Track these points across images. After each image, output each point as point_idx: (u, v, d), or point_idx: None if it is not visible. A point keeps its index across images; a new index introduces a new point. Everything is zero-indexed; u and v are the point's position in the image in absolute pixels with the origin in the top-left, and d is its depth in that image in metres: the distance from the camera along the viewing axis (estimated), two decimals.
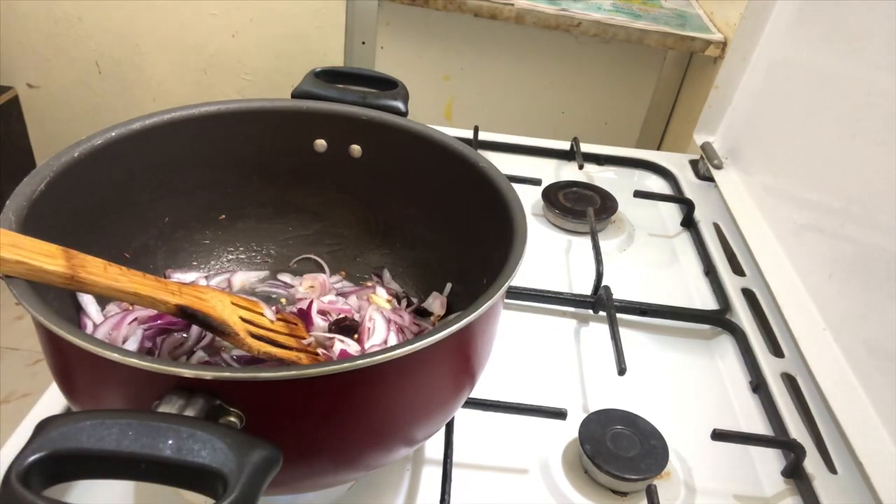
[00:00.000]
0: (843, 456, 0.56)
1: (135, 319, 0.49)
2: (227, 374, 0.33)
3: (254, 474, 0.29)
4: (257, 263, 0.61)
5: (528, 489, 0.52)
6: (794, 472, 0.55)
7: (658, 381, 0.64)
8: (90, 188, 0.48)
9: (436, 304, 0.56)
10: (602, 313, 0.69)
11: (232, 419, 0.33)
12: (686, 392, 0.63)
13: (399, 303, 0.59)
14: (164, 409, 0.31)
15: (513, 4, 1.23)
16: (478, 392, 0.50)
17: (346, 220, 0.62)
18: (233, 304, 0.46)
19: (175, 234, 0.57)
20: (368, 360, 0.34)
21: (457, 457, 0.53)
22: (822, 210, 0.69)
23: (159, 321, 0.50)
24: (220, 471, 0.28)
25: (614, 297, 0.67)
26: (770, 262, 0.73)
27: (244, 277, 0.59)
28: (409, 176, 0.57)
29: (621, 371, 0.58)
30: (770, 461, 0.57)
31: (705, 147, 0.95)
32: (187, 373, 0.32)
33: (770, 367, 0.64)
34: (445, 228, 0.57)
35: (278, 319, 0.51)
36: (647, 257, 0.81)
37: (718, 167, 0.91)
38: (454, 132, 0.82)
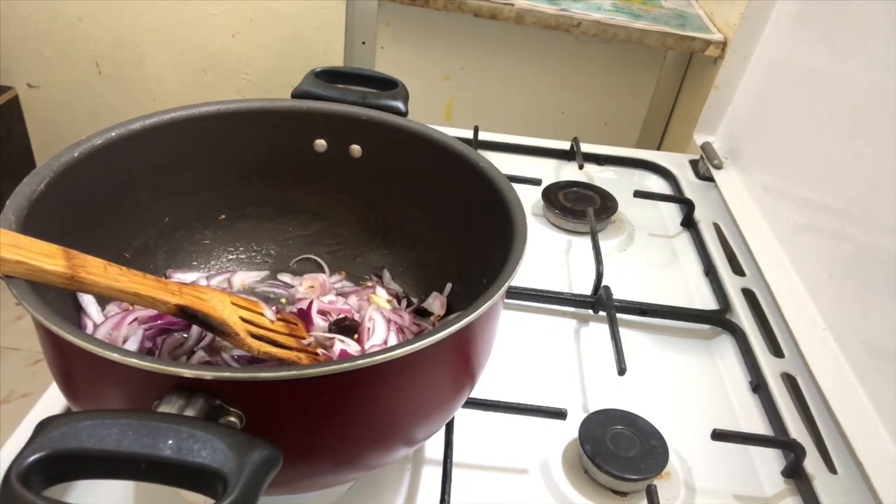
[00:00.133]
0: (843, 456, 0.56)
1: (135, 319, 0.49)
2: (227, 374, 0.33)
3: (254, 474, 0.29)
4: (257, 263, 0.61)
5: (528, 489, 0.52)
6: (794, 472, 0.55)
7: (658, 381, 0.64)
8: (90, 188, 0.48)
9: (436, 304, 0.56)
10: (602, 313, 0.69)
11: (232, 419, 0.33)
12: (686, 392, 0.63)
13: (399, 303, 0.59)
14: (164, 409, 0.31)
15: (513, 4, 1.23)
16: (478, 392, 0.50)
17: (346, 220, 0.62)
18: (233, 304, 0.46)
19: (175, 234, 0.57)
20: (368, 360, 0.34)
21: (457, 457, 0.53)
22: (822, 210, 0.69)
23: (160, 321, 0.50)
24: (220, 471, 0.28)
25: (614, 297, 0.67)
26: (770, 262, 0.73)
27: (244, 277, 0.59)
28: (409, 176, 0.57)
29: (621, 371, 0.58)
30: (770, 461, 0.57)
31: (705, 147, 0.95)
32: (187, 373, 0.32)
33: (770, 367, 0.64)
34: (445, 228, 0.57)
35: (278, 319, 0.51)
36: (647, 257, 0.81)
37: (718, 167, 0.91)
38: (454, 132, 0.82)
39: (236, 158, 0.57)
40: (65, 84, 1.54)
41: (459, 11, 1.25)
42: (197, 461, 0.28)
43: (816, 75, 0.73)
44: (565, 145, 0.98)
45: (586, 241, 0.79)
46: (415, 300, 0.59)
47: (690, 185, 0.93)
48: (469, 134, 0.94)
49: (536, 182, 0.85)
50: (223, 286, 0.58)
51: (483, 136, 0.95)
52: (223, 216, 0.60)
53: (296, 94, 0.57)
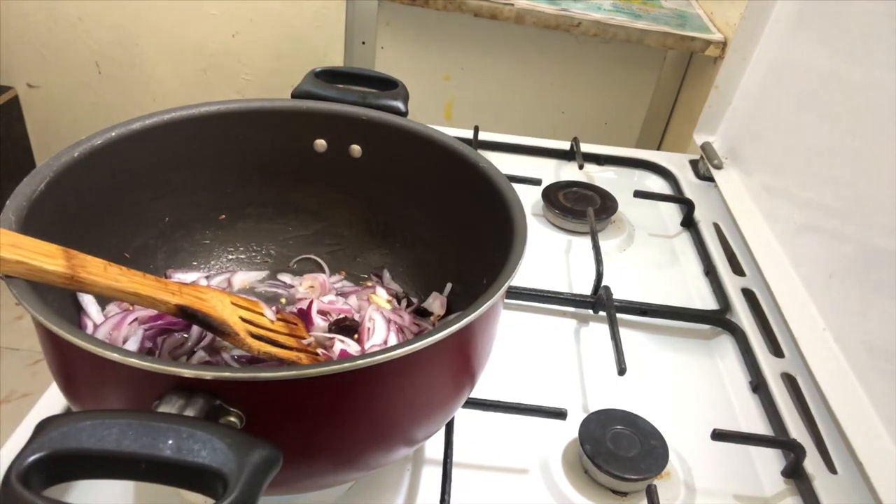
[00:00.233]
0: (843, 456, 0.56)
1: (135, 319, 0.49)
2: (227, 374, 0.33)
3: (254, 474, 0.29)
4: (257, 263, 0.61)
5: (528, 489, 0.52)
6: (794, 472, 0.55)
7: (658, 381, 0.64)
8: (90, 188, 0.48)
9: (436, 304, 0.56)
10: (602, 313, 0.69)
11: (232, 419, 0.33)
12: (686, 392, 0.63)
13: (399, 303, 0.59)
14: (164, 409, 0.31)
15: (513, 4, 1.23)
16: (478, 392, 0.50)
17: (346, 220, 0.62)
18: (233, 304, 0.46)
19: (175, 234, 0.57)
20: (368, 360, 0.34)
21: (457, 457, 0.53)
22: (822, 210, 0.69)
23: (160, 321, 0.50)
24: (220, 471, 0.28)
25: (614, 297, 0.67)
26: (770, 262, 0.73)
27: (244, 277, 0.59)
28: (409, 176, 0.57)
29: (621, 371, 0.58)
30: (770, 461, 0.57)
31: (705, 147, 0.95)
32: (187, 373, 0.32)
33: (770, 367, 0.64)
34: (445, 228, 0.57)
35: (278, 319, 0.51)
36: (647, 257, 0.81)
37: (718, 167, 0.91)
38: (454, 132, 0.82)
39: (236, 158, 0.57)
40: (65, 84, 1.54)
41: (459, 11, 1.25)
42: (197, 461, 0.28)
43: (816, 75, 0.73)
44: (565, 145, 0.98)
45: (586, 241, 0.79)
46: (415, 300, 0.59)
47: (690, 185, 0.93)
48: (469, 134, 0.94)
49: (536, 182, 0.85)
50: (223, 286, 0.58)
51: (483, 136, 0.95)
52: (223, 216, 0.60)
53: (296, 94, 0.57)
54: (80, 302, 0.48)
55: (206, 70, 1.50)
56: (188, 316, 0.42)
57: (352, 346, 0.51)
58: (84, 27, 1.45)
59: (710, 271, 0.77)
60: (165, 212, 0.56)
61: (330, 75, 0.59)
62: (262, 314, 0.49)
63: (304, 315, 0.54)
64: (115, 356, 0.32)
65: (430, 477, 0.52)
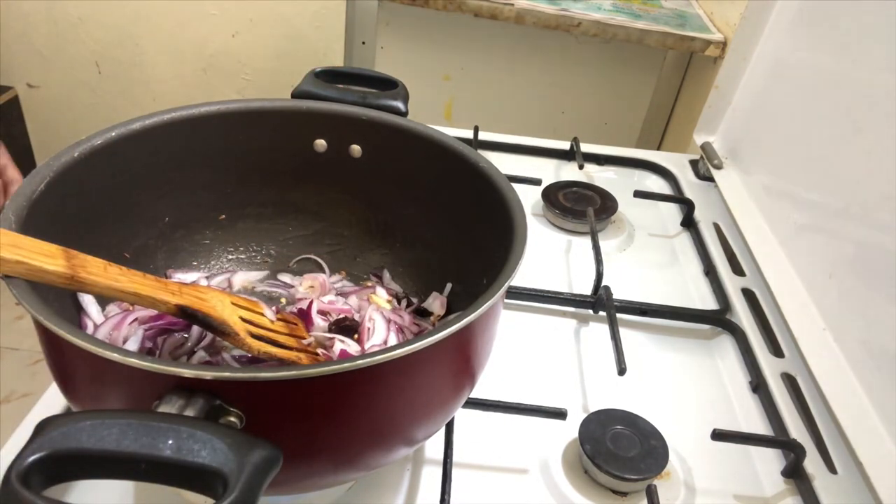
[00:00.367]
0: (843, 456, 0.56)
1: (135, 320, 0.49)
2: (227, 374, 0.33)
3: (254, 474, 0.29)
4: (257, 263, 0.61)
5: (528, 489, 0.52)
6: (794, 472, 0.55)
7: (658, 381, 0.64)
8: (90, 188, 0.48)
9: (436, 304, 0.56)
10: (602, 313, 0.69)
11: (232, 419, 0.33)
12: (686, 392, 0.63)
13: (399, 303, 0.59)
14: (164, 409, 0.31)
15: (513, 4, 1.23)
16: (478, 392, 0.50)
17: (346, 220, 0.62)
18: (233, 304, 0.46)
19: (175, 234, 0.57)
20: (368, 360, 0.34)
21: (457, 457, 0.53)
22: (822, 210, 0.69)
23: (160, 321, 0.50)
24: (220, 471, 0.28)
25: (614, 297, 0.67)
26: (770, 262, 0.73)
27: (244, 277, 0.60)
28: (410, 176, 0.57)
29: (621, 371, 0.58)
30: (770, 461, 0.57)
31: (705, 147, 0.95)
32: (187, 373, 0.32)
33: (770, 367, 0.64)
34: (445, 228, 0.57)
35: (278, 319, 0.51)
36: (647, 257, 0.81)
37: (718, 167, 0.91)
38: (454, 132, 0.82)
39: (236, 158, 0.57)
40: (65, 84, 1.54)
41: (459, 11, 1.25)
42: (197, 461, 0.28)
43: (816, 75, 0.73)
44: (565, 145, 0.98)
45: (586, 241, 0.79)
46: (415, 300, 0.59)
47: (690, 185, 0.93)
48: (469, 134, 0.94)
49: (536, 182, 0.85)
50: (223, 286, 0.58)
51: (483, 136, 0.95)
52: (223, 216, 0.60)
53: (296, 94, 0.57)
54: (81, 302, 0.48)
55: (206, 70, 1.50)
56: (188, 316, 0.42)
57: (352, 346, 0.51)
58: (84, 27, 1.45)
59: (710, 271, 0.77)
60: (165, 212, 0.56)
61: (330, 75, 0.59)
62: (262, 314, 0.49)
63: (304, 315, 0.54)
64: (115, 356, 0.32)
65: (430, 477, 0.52)
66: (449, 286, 0.57)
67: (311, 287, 0.58)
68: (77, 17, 1.43)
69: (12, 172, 0.56)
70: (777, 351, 0.67)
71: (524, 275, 0.68)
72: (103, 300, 0.49)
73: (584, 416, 0.55)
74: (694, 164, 0.98)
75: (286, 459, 0.31)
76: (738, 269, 0.78)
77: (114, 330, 0.48)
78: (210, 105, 0.54)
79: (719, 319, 0.70)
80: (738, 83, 0.90)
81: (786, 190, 0.77)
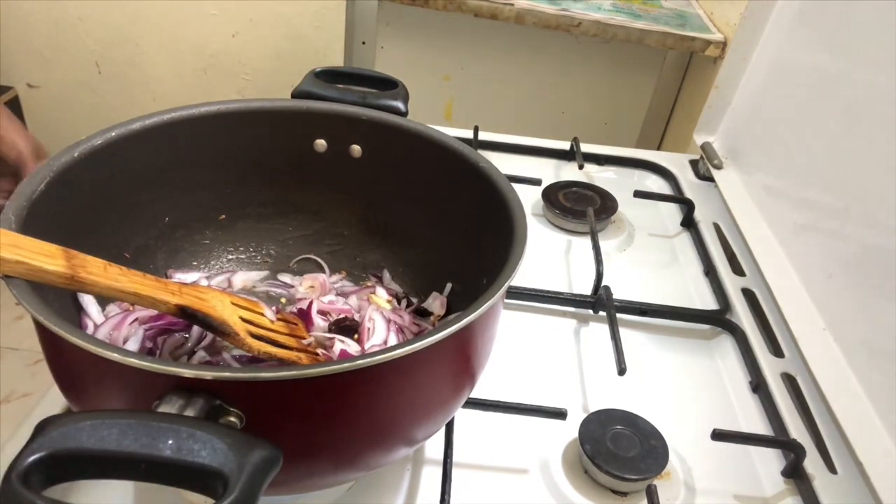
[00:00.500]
0: (843, 456, 0.56)
1: (136, 320, 0.49)
2: (227, 374, 0.33)
3: (254, 474, 0.29)
4: (257, 263, 0.61)
5: (528, 489, 0.52)
6: (794, 472, 0.55)
7: (658, 381, 0.64)
8: (90, 188, 0.48)
9: (436, 304, 0.56)
10: (602, 313, 0.69)
11: (232, 419, 0.33)
12: (686, 392, 0.63)
13: (399, 303, 0.59)
14: (164, 409, 0.31)
15: (513, 4, 1.23)
16: (478, 392, 0.50)
17: (346, 220, 0.62)
18: (233, 304, 0.46)
19: (175, 234, 0.57)
20: (368, 360, 0.34)
21: (457, 457, 0.53)
22: (822, 210, 0.69)
23: (160, 321, 0.50)
24: (220, 471, 0.28)
25: (614, 297, 0.67)
26: (770, 262, 0.73)
27: (244, 277, 0.60)
28: (410, 176, 0.57)
29: (621, 371, 0.58)
30: (770, 461, 0.57)
31: (705, 147, 0.95)
32: (187, 373, 0.32)
33: (770, 367, 0.64)
34: (445, 228, 0.57)
35: (278, 319, 0.51)
36: (647, 257, 0.81)
37: (718, 167, 0.91)
38: (454, 132, 0.82)
39: (236, 158, 0.57)
40: (65, 84, 1.54)
41: (459, 11, 1.25)
42: (197, 461, 0.28)
43: (816, 75, 0.73)
44: (565, 145, 0.98)
45: (586, 241, 0.79)
46: (415, 300, 0.59)
47: (690, 185, 0.93)
48: (469, 134, 0.94)
49: (536, 182, 0.85)
50: (223, 286, 0.58)
51: (483, 136, 0.95)
52: (223, 216, 0.60)
53: (296, 94, 0.57)
54: (81, 302, 0.48)
55: (206, 70, 1.50)
56: (188, 316, 0.43)
57: (352, 346, 0.51)
58: (84, 27, 1.45)
59: (710, 271, 0.77)
60: (165, 212, 0.56)
61: (330, 75, 0.59)
62: (262, 314, 0.49)
63: (304, 315, 0.54)
64: (115, 356, 0.32)
65: (430, 477, 0.52)
66: (449, 286, 0.57)
67: (311, 287, 0.58)
68: (77, 17, 1.43)
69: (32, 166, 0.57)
70: (777, 351, 0.67)
71: (524, 275, 0.68)
72: (103, 300, 0.49)
73: (584, 416, 0.55)
74: (694, 164, 0.98)
75: (286, 459, 0.31)
76: (738, 269, 0.78)
77: (114, 330, 0.48)
78: (210, 105, 0.54)
79: (719, 319, 0.70)
80: (738, 83, 0.90)
81: (786, 190, 0.77)
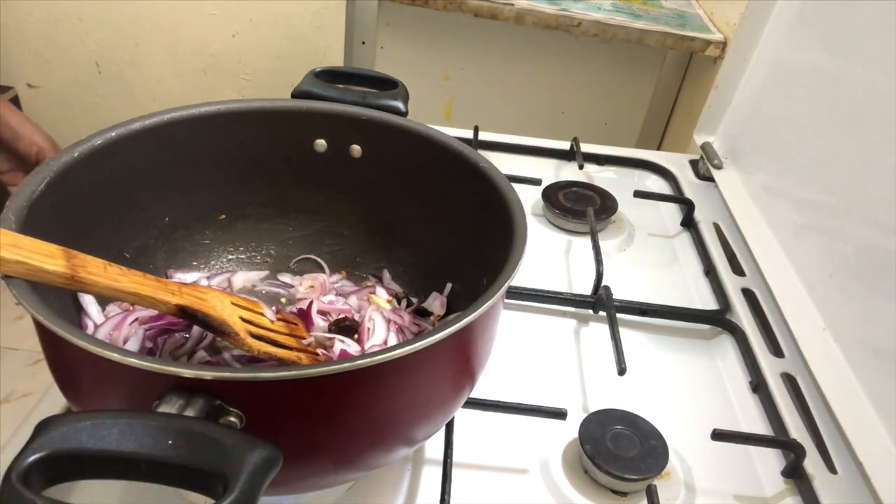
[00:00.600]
0: (843, 456, 0.56)
1: (136, 320, 0.49)
2: (227, 374, 0.33)
3: (254, 474, 0.29)
4: (257, 263, 0.61)
5: (528, 489, 0.52)
6: (794, 472, 0.55)
7: (658, 381, 0.64)
8: (90, 188, 0.48)
9: (436, 304, 0.56)
10: (602, 313, 0.69)
11: (232, 419, 0.33)
12: (686, 392, 0.63)
13: (399, 303, 0.59)
14: (164, 409, 0.31)
15: (513, 4, 1.23)
16: (478, 392, 0.50)
17: (346, 220, 0.62)
18: (233, 304, 0.46)
19: (175, 234, 0.57)
20: (368, 360, 0.34)
21: (457, 457, 0.53)
22: (822, 210, 0.69)
23: (160, 321, 0.50)
24: (220, 471, 0.28)
25: (614, 297, 0.67)
26: (770, 262, 0.73)
27: (244, 277, 0.60)
28: (409, 176, 0.57)
29: (621, 371, 0.58)
30: (770, 461, 0.57)
31: (705, 147, 0.95)
32: (187, 373, 0.32)
33: (770, 367, 0.64)
34: (445, 228, 0.57)
35: (278, 319, 0.51)
36: (647, 257, 0.81)
37: (718, 167, 0.91)
38: (454, 132, 0.82)
39: (236, 158, 0.57)
40: (65, 84, 1.54)
41: (459, 11, 1.25)
42: (197, 461, 0.28)
43: (816, 75, 0.73)
44: (565, 145, 0.98)
45: (586, 241, 0.79)
46: (415, 300, 0.59)
47: (690, 185, 0.93)
48: (469, 134, 0.94)
49: (536, 182, 0.85)
50: (223, 286, 0.58)
51: (483, 136, 0.95)
52: (223, 216, 0.60)
53: (296, 94, 0.57)
54: (81, 302, 0.48)
55: (206, 70, 1.50)
56: (188, 316, 0.43)
57: (352, 346, 0.51)
58: (84, 27, 1.45)
59: (710, 271, 0.77)
60: (165, 212, 0.56)
61: (330, 75, 0.59)
62: (262, 314, 0.49)
63: (304, 315, 0.54)
64: (114, 356, 0.32)
65: (430, 477, 0.52)
66: (449, 286, 0.57)
67: (311, 287, 0.58)
68: (77, 17, 1.43)
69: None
70: (777, 351, 0.67)
71: (524, 275, 0.68)
72: (103, 300, 0.49)
73: (584, 416, 0.55)
74: (694, 164, 0.98)
75: (286, 459, 0.31)
76: (738, 269, 0.78)
77: (114, 330, 0.48)
78: (210, 105, 0.54)
79: (719, 319, 0.70)
80: (738, 83, 0.90)
81: (786, 190, 0.77)
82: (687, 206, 0.86)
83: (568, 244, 0.81)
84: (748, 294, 0.74)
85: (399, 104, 0.57)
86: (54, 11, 1.43)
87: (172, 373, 0.32)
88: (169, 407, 0.31)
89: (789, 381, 0.64)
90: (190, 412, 0.31)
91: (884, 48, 0.62)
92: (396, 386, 0.38)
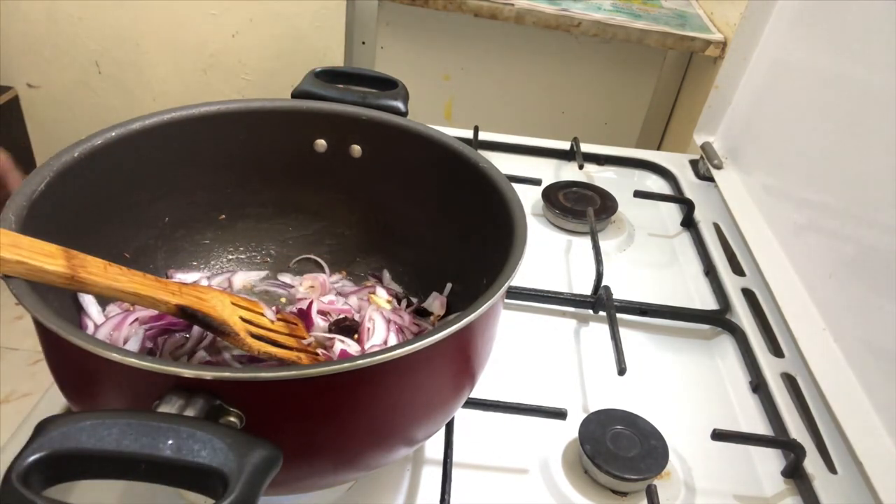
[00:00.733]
0: (843, 456, 0.56)
1: (136, 320, 0.49)
2: (227, 374, 0.33)
3: (254, 474, 0.29)
4: (257, 263, 0.61)
5: (528, 489, 0.52)
6: (794, 472, 0.55)
7: (658, 381, 0.64)
8: (90, 188, 0.48)
9: (436, 304, 0.56)
10: (602, 313, 0.69)
11: (232, 419, 0.33)
12: (686, 392, 0.63)
13: (399, 303, 0.59)
14: (164, 409, 0.31)
15: (513, 4, 1.23)
16: (478, 392, 0.50)
17: (346, 220, 0.62)
18: (233, 304, 0.46)
19: (175, 234, 0.57)
20: (368, 360, 0.34)
21: (457, 457, 0.53)
22: (822, 210, 0.69)
23: (161, 322, 0.50)
24: (220, 471, 0.28)
25: (614, 297, 0.67)
26: (770, 262, 0.73)
27: (244, 277, 0.60)
28: (409, 176, 0.57)
29: (621, 371, 0.58)
30: (770, 461, 0.57)
31: (705, 147, 0.95)
32: (187, 373, 0.32)
33: (770, 367, 0.64)
34: (445, 228, 0.57)
35: (278, 319, 0.51)
36: (647, 257, 0.81)
37: (718, 167, 0.91)
38: (454, 132, 0.82)
39: (236, 158, 0.57)
40: (65, 84, 1.54)
41: (459, 11, 1.25)
42: (197, 461, 0.28)
43: (816, 75, 0.73)
44: (565, 145, 0.98)
45: (586, 241, 0.79)
46: (415, 300, 0.59)
47: (690, 185, 0.93)
48: (469, 134, 0.94)
49: (536, 182, 0.85)
50: (223, 286, 0.58)
51: (483, 136, 0.95)
52: (223, 216, 0.60)
53: (296, 94, 0.57)
54: (81, 302, 0.48)
55: (206, 70, 1.50)
56: (188, 316, 0.43)
57: (352, 346, 0.51)
58: (84, 27, 1.45)
59: (710, 271, 0.77)
60: (165, 212, 0.56)
61: (330, 75, 0.59)
62: (262, 314, 0.49)
63: (304, 315, 0.54)
64: (114, 356, 0.32)
65: (430, 477, 0.52)
66: (449, 286, 0.57)
67: (311, 287, 0.58)
68: (77, 17, 1.43)
69: (14, 180, 0.56)
70: (777, 351, 0.67)
71: (524, 275, 0.68)
72: (103, 300, 0.49)
73: (584, 416, 0.55)
74: (694, 164, 0.98)
75: (286, 459, 0.31)
76: (738, 269, 0.78)
77: (114, 330, 0.48)
78: (210, 105, 0.54)
79: (719, 319, 0.70)
80: (738, 83, 0.90)
81: (786, 190, 0.77)
82: (687, 206, 0.86)
83: (568, 244, 0.81)
84: (748, 294, 0.74)
85: (399, 104, 0.57)
86: (54, 11, 1.43)
87: (172, 373, 0.32)
88: (169, 407, 0.31)
89: (789, 381, 0.64)
90: (190, 412, 0.31)
91: (884, 48, 0.62)
92: (396, 386, 0.38)
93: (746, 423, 0.60)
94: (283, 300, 0.59)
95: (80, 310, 0.48)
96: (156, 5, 1.41)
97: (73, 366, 0.37)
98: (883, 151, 0.60)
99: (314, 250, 0.62)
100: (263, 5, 1.41)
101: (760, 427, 0.60)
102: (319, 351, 0.51)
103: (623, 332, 0.65)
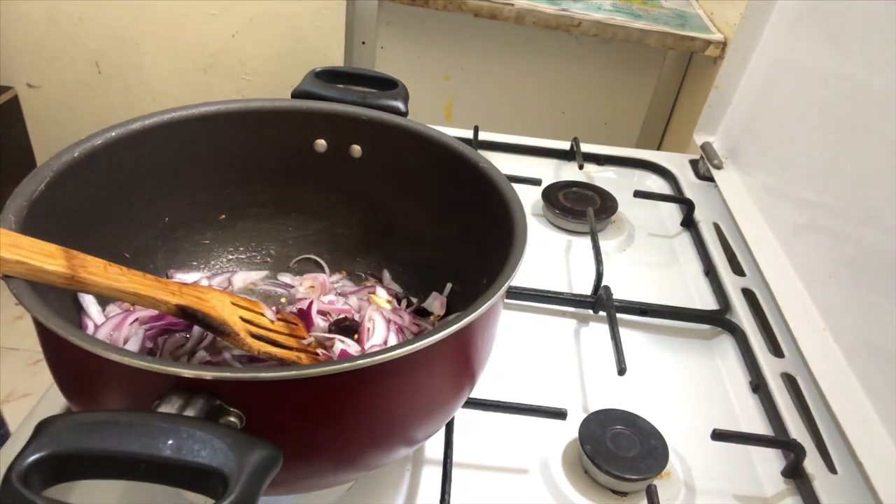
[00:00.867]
0: (843, 456, 0.56)
1: (136, 320, 0.49)
2: (227, 374, 0.33)
3: (254, 474, 0.29)
4: (257, 263, 0.61)
5: (528, 489, 0.52)
6: (794, 472, 0.55)
7: (658, 381, 0.64)
8: (90, 188, 0.48)
9: (436, 304, 0.56)
10: (602, 313, 0.69)
11: (232, 419, 0.33)
12: (686, 392, 0.63)
13: (399, 303, 0.59)
14: (164, 409, 0.31)
15: (513, 4, 1.23)
16: (478, 392, 0.50)
17: (346, 220, 0.62)
18: (233, 304, 0.46)
19: (175, 234, 0.57)
20: (368, 360, 0.34)
21: (457, 457, 0.53)
22: (822, 210, 0.69)
23: (161, 322, 0.50)
24: (220, 471, 0.28)
25: (614, 297, 0.67)
26: (770, 262, 0.73)
27: (244, 277, 0.60)
28: (410, 176, 0.57)
29: (621, 371, 0.58)
30: (770, 461, 0.57)
31: (705, 147, 0.95)
32: (187, 373, 0.32)
33: (770, 367, 0.64)
34: (445, 228, 0.57)
35: (278, 319, 0.51)
36: (647, 257, 0.81)
37: (718, 167, 0.91)
38: (454, 132, 0.82)
39: (236, 158, 0.57)
40: (65, 84, 1.54)
41: (459, 11, 1.25)
42: (197, 461, 0.28)
43: (816, 75, 0.73)
44: (565, 145, 0.98)
45: (586, 241, 0.79)
46: (415, 300, 0.59)
47: (690, 185, 0.93)
48: (469, 134, 0.94)
49: (536, 182, 0.85)
50: (223, 286, 0.58)
51: (483, 136, 0.95)
52: (223, 216, 0.60)
53: (296, 94, 0.57)
54: (81, 302, 0.48)
55: (206, 70, 1.50)
56: (188, 316, 0.43)
57: (352, 346, 0.51)
58: (84, 27, 1.45)
59: (710, 271, 0.77)
60: (165, 212, 0.56)
61: (330, 75, 0.59)
62: (262, 314, 0.49)
63: (304, 315, 0.54)
64: (114, 356, 0.32)
65: (430, 477, 0.52)
66: (449, 286, 0.57)
67: (311, 287, 0.58)
68: (77, 17, 1.43)
69: None
70: (777, 351, 0.67)
71: (524, 275, 0.68)
72: (103, 300, 0.49)
73: (584, 416, 0.55)
74: (694, 164, 0.98)
75: (286, 459, 0.31)
76: (738, 269, 0.78)
77: (114, 330, 0.48)
78: (210, 105, 0.54)
79: (719, 319, 0.70)
80: (738, 83, 0.90)
81: (786, 190, 0.77)
82: (687, 206, 0.86)
83: (568, 244, 0.81)
84: (748, 294, 0.74)
85: (399, 104, 0.57)
86: (54, 11, 1.43)
87: (172, 373, 0.32)
88: (169, 407, 0.31)
89: (789, 381, 0.64)
90: (190, 412, 0.31)
91: (884, 48, 0.62)
92: (396, 386, 0.38)
93: (746, 423, 0.60)
94: (283, 300, 0.59)
95: (80, 310, 0.48)
96: (156, 5, 1.41)
97: (73, 366, 0.37)
98: (883, 151, 0.60)
99: (314, 250, 0.62)
100: (263, 5, 1.41)
101: (760, 427, 0.60)
102: (319, 351, 0.51)
103: (623, 332, 0.65)
